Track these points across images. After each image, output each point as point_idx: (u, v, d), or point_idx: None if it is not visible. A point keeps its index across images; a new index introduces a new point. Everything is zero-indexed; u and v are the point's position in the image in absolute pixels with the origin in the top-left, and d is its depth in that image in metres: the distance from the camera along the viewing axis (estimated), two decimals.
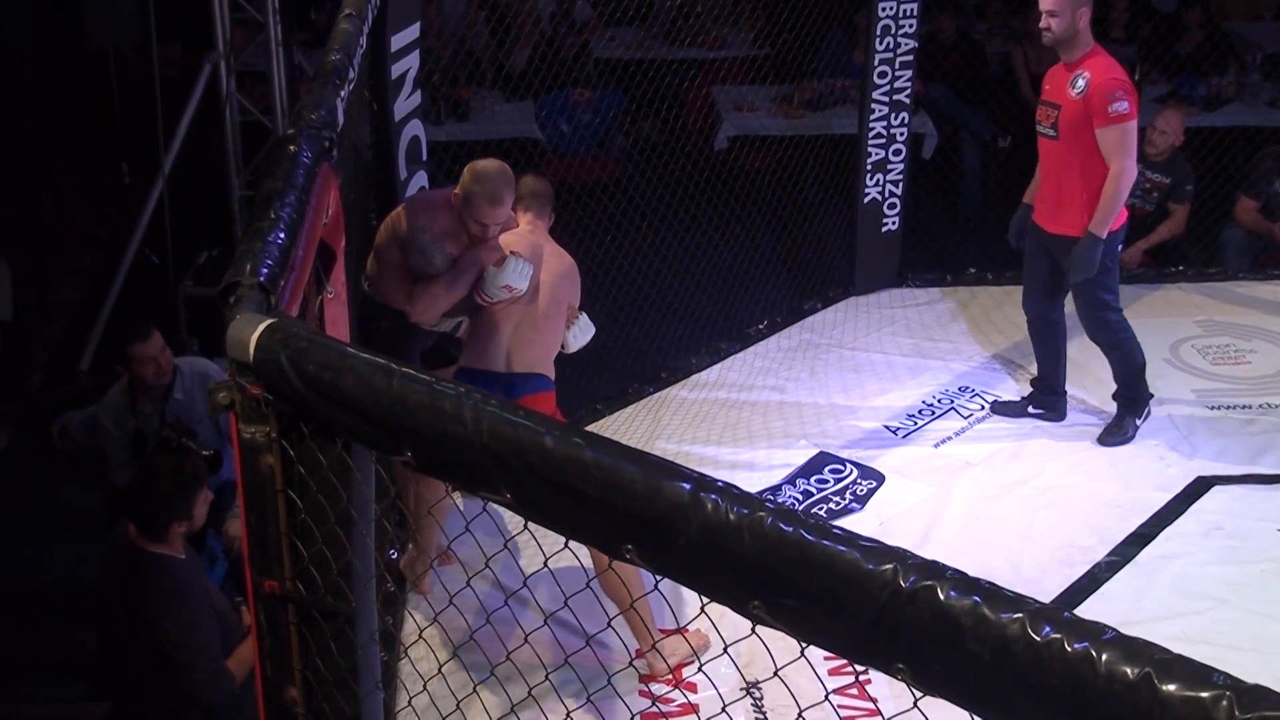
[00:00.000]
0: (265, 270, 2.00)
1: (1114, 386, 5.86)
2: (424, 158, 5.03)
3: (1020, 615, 1.23)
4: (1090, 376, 6.33)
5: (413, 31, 4.84)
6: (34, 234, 7.39)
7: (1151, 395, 5.70)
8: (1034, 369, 6.33)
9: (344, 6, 3.84)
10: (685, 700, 4.13)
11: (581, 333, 4.48)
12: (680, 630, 4.18)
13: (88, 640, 4.29)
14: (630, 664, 3.98)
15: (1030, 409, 5.88)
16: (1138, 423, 5.67)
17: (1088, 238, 5.16)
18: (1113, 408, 5.84)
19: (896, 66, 6.87)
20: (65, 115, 8.78)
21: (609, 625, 2.11)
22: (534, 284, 4.26)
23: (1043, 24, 5.16)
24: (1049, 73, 5.41)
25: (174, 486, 3.96)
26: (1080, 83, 5.09)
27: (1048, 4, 5.10)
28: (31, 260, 7.26)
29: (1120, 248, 5.42)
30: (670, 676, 4.18)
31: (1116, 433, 5.66)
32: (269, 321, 1.82)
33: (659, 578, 1.51)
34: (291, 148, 2.55)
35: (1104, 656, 1.17)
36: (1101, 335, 5.53)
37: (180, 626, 3.91)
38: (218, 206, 6.74)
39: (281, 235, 2.13)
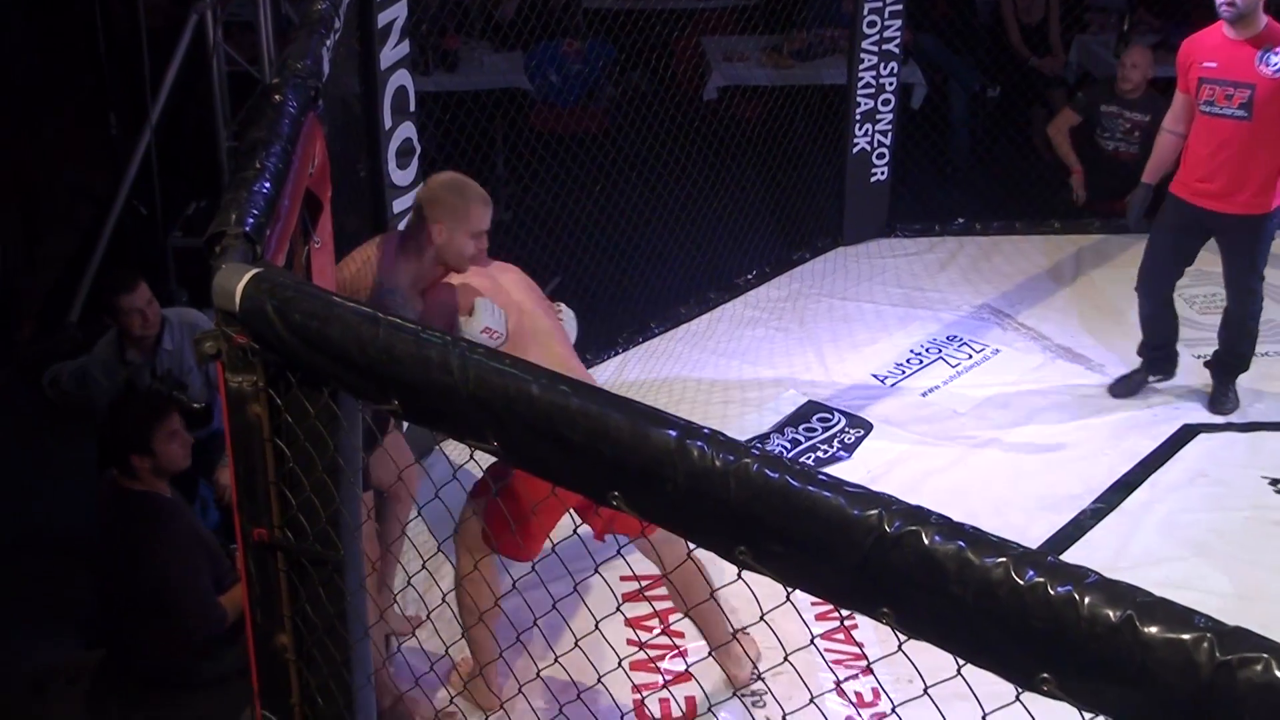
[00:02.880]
0: (251, 220, 1.98)
1: (1101, 335, 5.87)
2: (411, 108, 5.00)
3: (1004, 560, 1.23)
4: (1076, 321, 6.36)
5: None
6: (21, 186, 7.35)
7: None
8: (1021, 317, 6.39)
9: None
10: (672, 644, 4.15)
11: (568, 325, 3.98)
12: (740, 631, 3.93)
13: (80, 589, 4.30)
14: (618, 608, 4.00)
15: (1150, 379, 5.71)
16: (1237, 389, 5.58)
17: None
18: (1099, 351, 5.87)
19: (886, 16, 6.83)
20: (51, 66, 8.71)
21: (596, 570, 2.11)
22: (539, 319, 3.79)
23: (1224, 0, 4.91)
24: (1212, 48, 5.08)
25: (126, 418, 4.02)
26: (1275, 59, 4.88)
27: None
28: (19, 212, 7.22)
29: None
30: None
31: (1225, 402, 5.55)
32: (255, 271, 1.81)
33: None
34: (277, 97, 2.53)
35: (1087, 600, 1.18)
36: (1247, 302, 5.34)
37: (168, 559, 3.95)
38: (206, 157, 6.70)
39: (267, 185, 2.11)
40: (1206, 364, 5.63)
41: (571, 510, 3.86)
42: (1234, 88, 4.98)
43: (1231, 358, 5.50)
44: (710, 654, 3.96)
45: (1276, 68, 4.88)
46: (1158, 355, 5.63)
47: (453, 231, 3.64)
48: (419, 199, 3.76)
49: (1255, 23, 4.93)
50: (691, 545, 1.50)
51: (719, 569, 3.62)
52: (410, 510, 4.08)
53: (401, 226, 4.68)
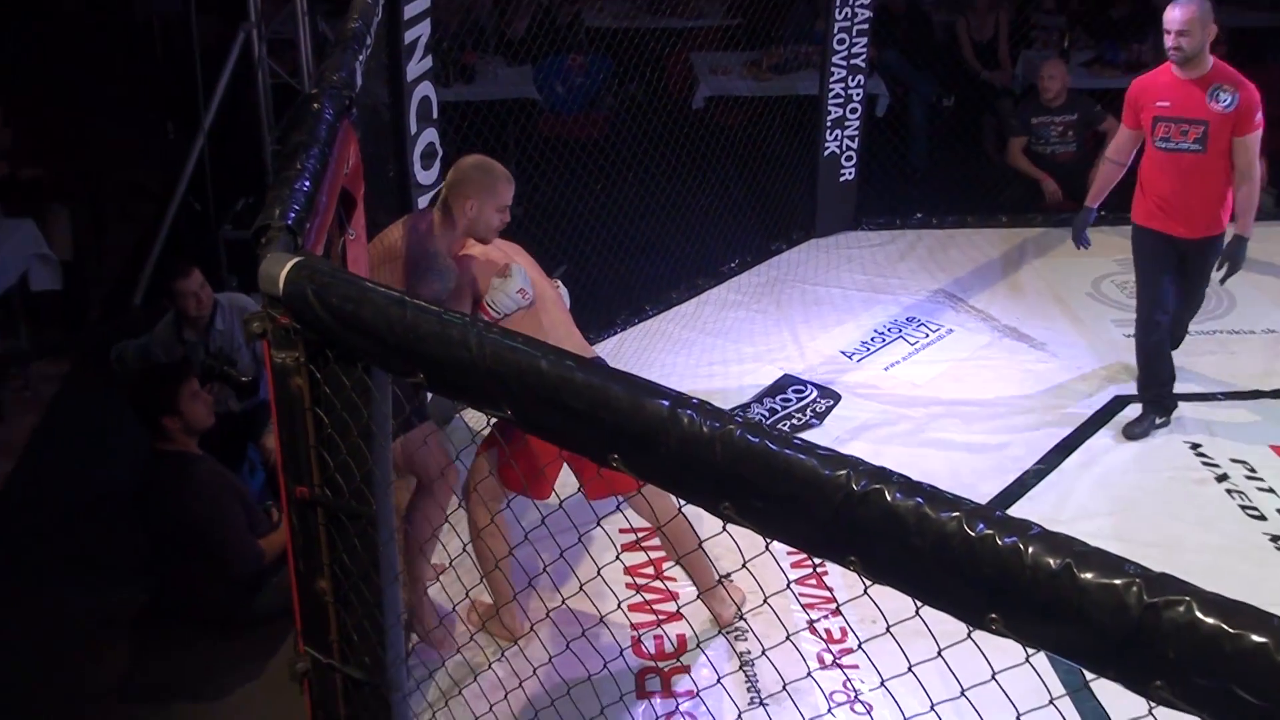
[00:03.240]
0: (293, 214, 1.98)
1: (1043, 316, 5.85)
2: (434, 116, 4.98)
3: (958, 514, 1.23)
4: (1020, 304, 6.36)
5: (424, 2, 4.78)
6: (90, 185, 7.34)
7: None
8: (972, 301, 6.37)
9: None
10: (665, 589, 4.16)
11: (564, 296, 4.06)
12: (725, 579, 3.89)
13: (138, 541, 4.32)
14: (618, 556, 3.99)
15: (1157, 420, 5.19)
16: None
17: (1240, 240, 4.86)
18: (1041, 330, 5.86)
19: (853, 34, 6.81)
20: (116, 79, 8.68)
21: (599, 523, 2.11)
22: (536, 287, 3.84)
23: (1173, 44, 4.65)
24: (1165, 88, 4.82)
25: (149, 384, 4.10)
26: (1225, 97, 4.67)
27: (1178, 24, 4.62)
28: (89, 208, 7.22)
29: None
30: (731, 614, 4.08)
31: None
32: (296, 259, 1.81)
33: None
34: (315, 106, 2.52)
35: (1030, 549, 1.18)
36: (1193, 306, 5.16)
37: (205, 506, 4.00)
38: (252, 159, 6.69)
39: (307, 183, 2.10)
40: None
41: (574, 473, 3.87)
42: (1189, 124, 4.76)
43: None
44: (699, 597, 3.97)
45: (1226, 104, 4.68)
46: (1162, 393, 5.18)
47: (482, 206, 3.68)
48: (451, 179, 3.76)
49: (1203, 64, 4.71)
50: (681, 501, 1.50)
51: (706, 522, 3.63)
52: (451, 500, 4.04)
53: (423, 203, 4.71)
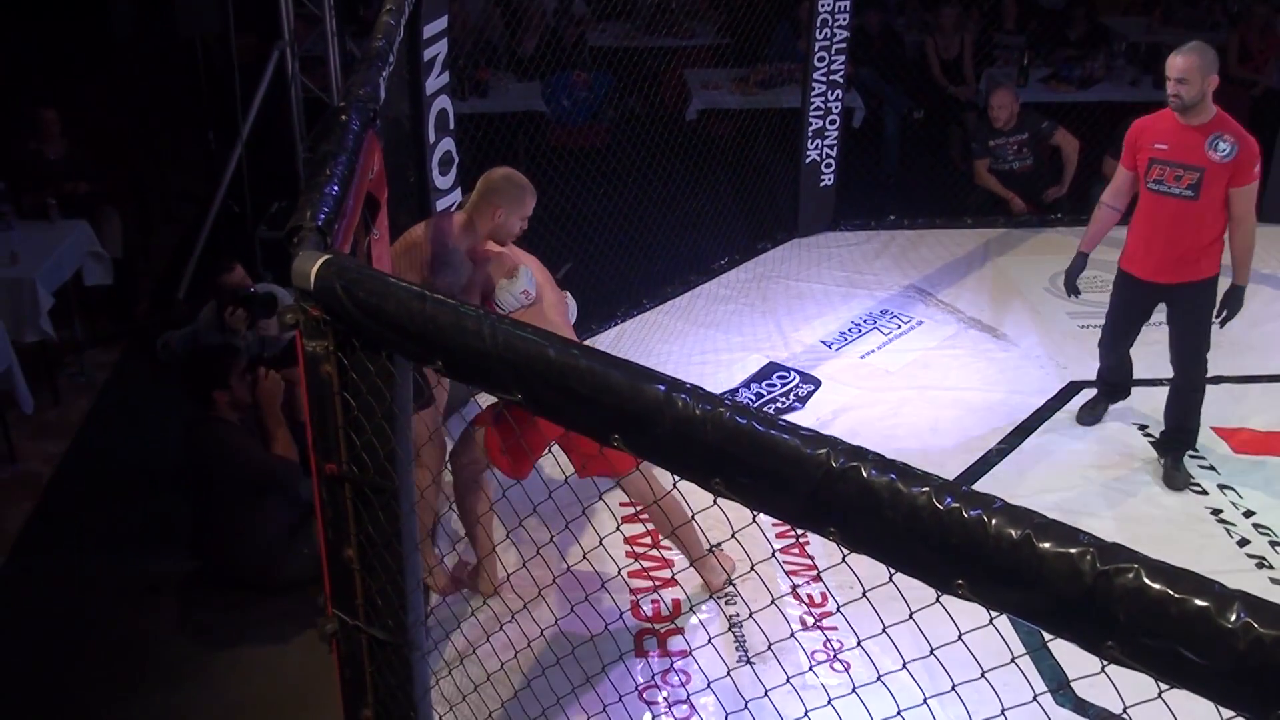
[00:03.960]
0: (322, 216, 1.97)
1: (1004, 309, 5.82)
2: (451, 127, 4.96)
3: (927, 489, 1.23)
4: (983, 298, 6.34)
5: (441, 23, 4.76)
6: (139, 189, 7.32)
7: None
8: (940, 295, 6.36)
9: (386, 2, 3.77)
10: (661, 558, 4.16)
11: (571, 311, 4.05)
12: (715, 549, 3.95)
13: (182, 512, 4.33)
14: (618, 528, 3.98)
15: (1109, 406, 5.13)
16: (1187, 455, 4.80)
17: (1240, 289, 4.50)
18: (1002, 322, 5.83)
19: (832, 53, 6.79)
20: (162, 93, 8.66)
21: (601, 497, 2.10)
22: (539, 289, 3.86)
23: (1172, 90, 4.27)
24: (1164, 131, 4.43)
25: (204, 362, 4.23)
26: (1224, 146, 4.27)
27: (1178, 72, 4.24)
28: (137, 210, 7.20)
29: None
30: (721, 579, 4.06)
31: (1177, 478, 4.70)
32: (326, 257, 1.80)
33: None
34: (343, 117, 2.50)
35: (994, 521, 1.18)
36: (1195, 371, 4.64)
37: (249, 455, 4.13)
38: (286, 166, 6.67)
39: (335, 188, 2.10)
40: (1154, 444, 4.90)
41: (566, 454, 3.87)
42: (1184, 170, 4.36)
43: (1182, 434, 4.74)
44: (691, 565, 3.97)
45: (1224, 154, 4.28)
46: (1114, 390, 5.07)
47: (509, 215, 3.77)
48: (483, 188, 3.80)
49: (1204, 112, 4.32)
50: (675, 478, 1.50)
51: (697, 496, 3.63)
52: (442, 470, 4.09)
53: (454, 207, 4.71)
